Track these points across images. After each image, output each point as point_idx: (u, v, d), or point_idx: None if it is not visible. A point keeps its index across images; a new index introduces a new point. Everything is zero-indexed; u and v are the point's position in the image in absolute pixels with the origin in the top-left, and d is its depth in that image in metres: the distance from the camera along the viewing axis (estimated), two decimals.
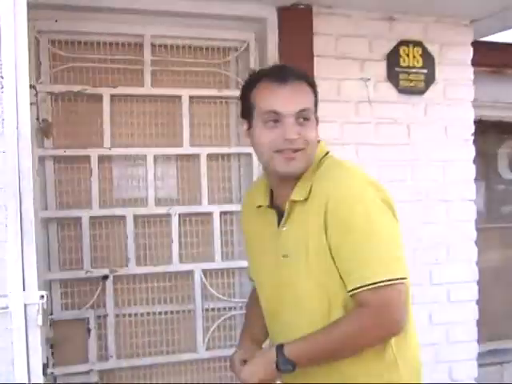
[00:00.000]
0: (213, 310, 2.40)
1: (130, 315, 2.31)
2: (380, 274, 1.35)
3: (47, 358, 2.15)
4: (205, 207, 2.39)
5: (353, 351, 1.42)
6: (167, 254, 2.36)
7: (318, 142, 1.54)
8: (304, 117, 1.49)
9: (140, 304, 2.33)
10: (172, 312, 2.35)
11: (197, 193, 2.41)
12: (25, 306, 1.22)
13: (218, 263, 2.38)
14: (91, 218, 2.25)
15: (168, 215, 2.33)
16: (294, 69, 1.56)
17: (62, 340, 2.21)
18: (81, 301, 2.25)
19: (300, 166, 1.49)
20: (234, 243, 2.48)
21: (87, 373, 2.18)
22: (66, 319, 2.24)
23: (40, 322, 1.21)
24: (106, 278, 2.24)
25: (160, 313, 2.34)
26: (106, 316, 2.24)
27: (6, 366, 1.23)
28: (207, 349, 2.33)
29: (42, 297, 1.23)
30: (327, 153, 1.55)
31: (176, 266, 2.35)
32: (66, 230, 2.27)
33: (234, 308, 2.42)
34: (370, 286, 1.34)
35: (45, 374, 2.05)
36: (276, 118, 1.47)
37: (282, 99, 1.49)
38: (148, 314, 2.33)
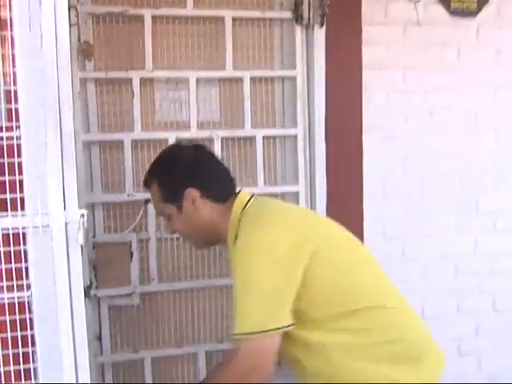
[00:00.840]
0: None
1: (171, 239, 2.29)
2: (240, 326, 1.41)
3: (90, 279, 2.17)
4: (248, 131, 2.35)
5: None
6: None
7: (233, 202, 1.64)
8: (163, 216, 1.74)
9: None
10: None
11: (239, 116, 2.36)
12: (65, 224, 1.21)
13: (260, 188, 2.34)
14: (133, 141, 2.22)
15: (210, 139, 2.28)
16: (150, 165, 1.75)
17: (104, 262, 2.23)
18: (123, 224, 2.25)
19: (194, 245, 1.82)
20: (276, 168, 2.44)
21: (129, 295, 2.20)
22: (109, 242, 2.24)
23: (81, 241, 1.20)
24: (147, 201, 2.23)
25: None
26: (147, 239, 2.24)
27: (48, 287, 1.22)
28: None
29: (83, 215, 1.21)
30: (249, 200, 1.63)
31: None
32: (108, 152, 2.25)
33: None
34: (235, 336, 1.42)
35: (88, 295, 2.10)
36: None
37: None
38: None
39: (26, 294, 1.24)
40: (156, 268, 2.24)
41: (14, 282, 1.24)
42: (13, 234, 1.21)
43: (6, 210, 1.20)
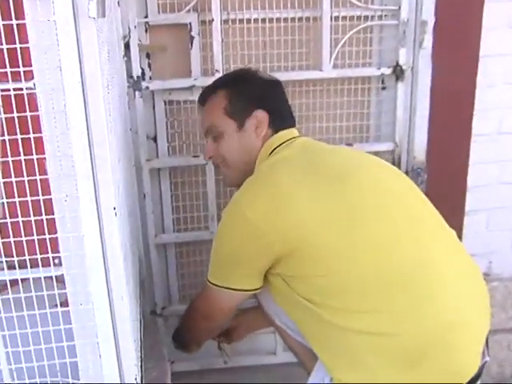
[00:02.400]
0: (344, 18, 1.85)
1: (240, 21, 1.81)
2: (209, 273, 1.43)
3: (142, 69, 1.81)
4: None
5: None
6: None
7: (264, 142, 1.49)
8: (213, 134, 1.54)
9: (254, 8, 1.81)
10: (293, 19, 1.84)
11: None
12: None
13: None
14: None
15: None
16: (215, 81, 1.61)
17: (159, 49, 1.84)
18: (181, 2, 1.76)
19: (227, 180, 1.62)
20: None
21: (189, 89, 1.83)
22: (165, 24, 1.79)
23: (93, 14, 0.88)
24: None
25: (278, 19, 1.83)
26: (211, 21, 1.77)
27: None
28: (334, 67, 1.88)
29: None
30: (281, 144, 1.47)
31: None
32: None
33: (372, 17, 1.87)
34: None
35: (139, 88, 1.79)
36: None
37: (199, 124, 1.67)
38: (263, 20, 1.82)
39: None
40: (221, 58, 1.81)
41: None
42: None
43: None
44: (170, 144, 1.94)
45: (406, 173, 1.96)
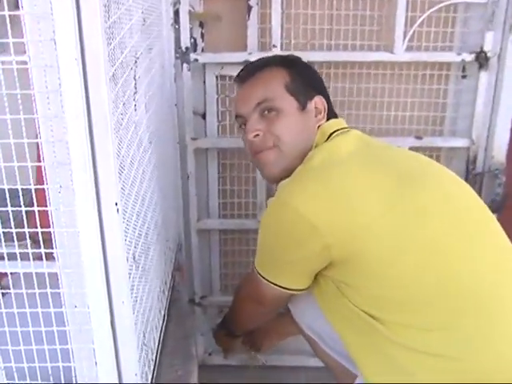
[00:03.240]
0: None
1: None
2: (256, 262, 1.31)
3: (194, 40, 1.66)
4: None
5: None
6: None
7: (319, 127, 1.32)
8: (267, 108, 1.31)
9: None
10: None
11: None
12: None
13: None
14: None
15: None
16: (263, 59, 1.42)
17: (214, 18, 1.67)
18: None
19: (272, 170, 1.34)
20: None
21: (243, 64, 1.58)
22: None
23: None
24: None
25: None
26: None
27: None
28: (408, 49, 1.65)
29: None
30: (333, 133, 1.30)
31: None
32: None
33: None
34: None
35: (187, 60, 1.64)
36: (243, 122, 1.37)
37: (241, 99, 1.38)
38: None
39: None
40: (280, 31, 1.64)
41: None
42: None
43: None
44: (220, 123, 1.79)
45: (482, 174, 1.74)
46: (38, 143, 0.88)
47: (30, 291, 0.97)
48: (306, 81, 1.35)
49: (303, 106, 1.31)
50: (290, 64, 1.36)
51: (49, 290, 0.96)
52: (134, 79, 1.14)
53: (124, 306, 0.97)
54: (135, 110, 1.14)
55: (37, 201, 0.91)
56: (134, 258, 1.06)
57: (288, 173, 1.29)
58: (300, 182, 1.19)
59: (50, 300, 0.97)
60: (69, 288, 0.96)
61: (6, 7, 0.80)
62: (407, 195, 1.13)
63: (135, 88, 1.15)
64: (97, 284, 0.94)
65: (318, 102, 1.33)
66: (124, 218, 0.96)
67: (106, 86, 0.84)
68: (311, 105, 1.32)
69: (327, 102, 1.35)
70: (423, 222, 1.12)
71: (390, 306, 1.11)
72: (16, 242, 0.93)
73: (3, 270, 0.96)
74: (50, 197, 0.90)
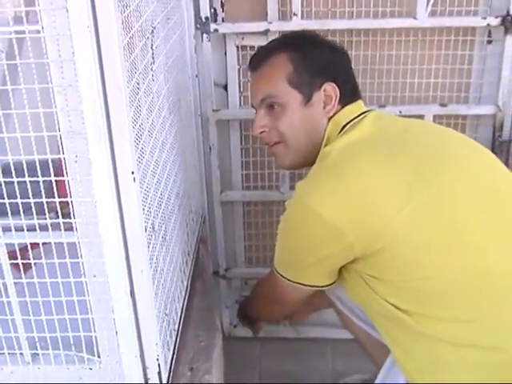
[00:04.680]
0: None
1: None
2: (276, 262, 1.28)
3: (215, 9, 1.65)
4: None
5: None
6: None
7: (330, 119, 1.26)
8: (269, 104, 1.30)
9: None
10: None
11: None
12: None
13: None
14: None
15: None
16: (270, 44, 1.37)
17: None
18: None
19: (283, 162, 1.35)
20: None
21: (264, 33, 1.64)
22: None
23: None
24: None
25: None
26: None
27: None
28: (431, 14, 1.61)
29: None
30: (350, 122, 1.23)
31: None
32: None
33: None
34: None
35: (207, 31, 1.62)
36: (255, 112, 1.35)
37: (251, 91, 1.39)
38: None
39: None
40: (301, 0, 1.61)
41: None
42: None
43: None
44: (242, 94, 1.77)
45: (509, 141, 1.71)
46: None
47: (49, 261, 0.98)
48: (312, 67, 1.27)
49: (308, 99, 1.26)
50: (295, 48, 1.30)
51: (68, 260, 0.97)
52: (152, 49, 1.14)
53: (143, 276, 0.98)
54: (153, 79, 1.14)
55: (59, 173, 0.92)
56: (153, 227, 1.06)
57: (301, 163, 1.33)
58: (315, 182, 1.16)
59: (70, 270, 0.98)
60: (88, 257, 0.97)
61: None
62: (429, 182, 1.09)
63: (152, 58, 1.15)
64: (115, 253, 0.95)
65: (328, 89, 1.26)
66: (142, 187, 0.97)
67: (120, 54, 0.84)
68: (319, 95, 1.26)
69: (345, 84, 1.27)
70: (447, 210, 1.08)
71: (417, 298, 1.09)
72: (35, 214, 0.94)
73: (23, 241, 0.98)
74: (66, 167, 0.91)
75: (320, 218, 1.10)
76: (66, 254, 0.96)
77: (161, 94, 1.22)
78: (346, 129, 1.23)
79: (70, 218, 0.93)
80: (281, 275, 1.26)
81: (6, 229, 0.97)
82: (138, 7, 1.01)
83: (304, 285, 1.24)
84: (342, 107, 1.27)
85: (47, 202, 0.93)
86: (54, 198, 0.92)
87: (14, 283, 1.00)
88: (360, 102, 1.30)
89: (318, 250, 1.16)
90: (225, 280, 1.95)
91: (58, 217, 0.94)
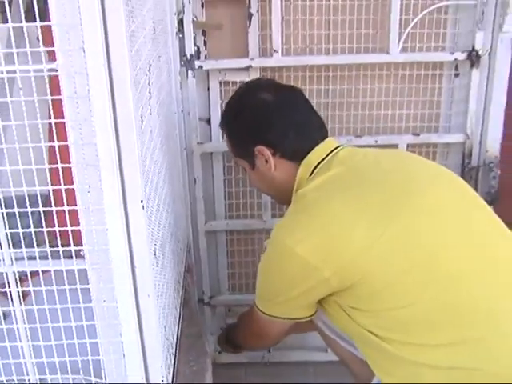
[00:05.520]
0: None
1: None
2: (257, 299, 1.34)
3: (198, 48, 1.72)
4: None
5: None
6: None
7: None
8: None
9: None
10: None
11: None
12: None
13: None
14: None
15: None
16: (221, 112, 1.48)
17: (216, 26, 1.72)
18: None
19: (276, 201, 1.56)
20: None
21: (246, 70, 1.73)
22: None
23: None
24: None
25: None
26: None
27: None
28: (403, 50, 1.71)
29: None
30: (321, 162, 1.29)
31: None
32: None
33: None
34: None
35: (192, 67, 1.70)
36: None
37: None
38: None
39: None
40: (280, 37, 1.70)
41: None
42: None
43: None
44: None
45: (478, 167, 1.81)
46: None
47: (60, 288, 1.02)
48: (239, 138, 1.38)
49: (253, 164, 1.36)
50: (226, 126, 1.41)
51: (79, 286, 1.01)
52: (149, 85, 1.20)
53: (149, 300, 1.03)
54: (150, 114, 1.20)
55: (55, 202, 0.96)
56: (154, 254, 1.11)
57: (281, 202, 1.48)
58: (291, 222, 1.22)
59: (80, 296, 1.02)
60: (97, 283, 1.02)
61: (37, 18, 0.86)
62: (400, 213, 1.14)
63: (149, 93, 1.21)
64: (124, 279, 0.99)
65: (260, 151, 1.32)
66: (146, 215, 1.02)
67: (131, 90, 0.90)
68: (258, 158, 1.34)
69: (282, 137, 1.30)
70: (419, 238, 1.13)
71: (396, 326, 1.13)
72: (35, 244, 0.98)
73: (36, 269, 1.02)
74: (79, 197, 0.96)
75: (296, 256, 1.16)
76: (77, 280, 1.00)
77: (156, 127, 1.28)
78: (317, 170, 1.29)
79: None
80: (262, 311, 1.32)
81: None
82: (140, 46, 1.07)
83: (285, 318, 1.30)
84: (294, 155, 1.31)
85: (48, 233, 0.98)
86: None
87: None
88: (329, 140, 1.34)
89: (295, 286, 1.21)
90: (209, 307, 1.98)
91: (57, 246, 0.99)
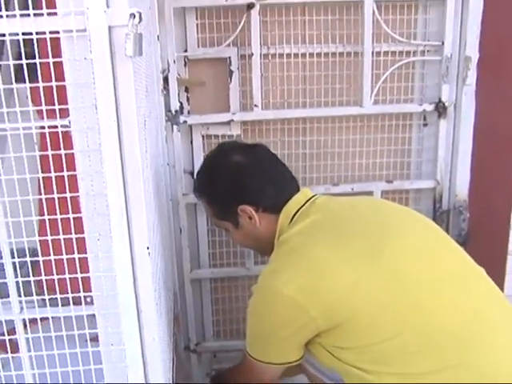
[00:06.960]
0: (386, 53, 1.82)
1: (280, 55, 1.79)
2: (248, 347, 1.37)
3: (181, 103, 1.80)
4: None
5: None
6: None
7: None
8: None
9: (294, 42, 1.79)
10: (334, 54, 1.81)
11: None
12: (109, 28, 0.89)
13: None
14: None
15: None
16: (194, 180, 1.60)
17: (198, 83, 1.82)
18: (220, 36, 1.76)
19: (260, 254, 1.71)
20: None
21: (227, 124, 1.82)
22: (204, 58, 1.78)
23: (130, 52, 0.87)
24: (251, 7, 1.71)
25: (319, 54, 1.79)
26: (251, 56, 1.75)
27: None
28: (375, 103, 1.84)
29: (133, 15, 0.87)
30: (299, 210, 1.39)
31: None
32: None
33: (414, 53, 1.84)
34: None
35: (177, 122, 1.78)
36: None
37: None
38: (303, 55, 1.80)
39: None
40: (260, 93, 1.79)
41: None
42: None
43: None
44: None
45: (448, 211, 1.92)
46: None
47: (68, 333, 1.06)
48: (220, 203, 1.46)
49: (236, 223, 1.45)
50: (204, 189, 1.50)
51: (87, 331, 1.06)
52: (145, 139, 1.27)
53: (155, 343, 1.07)
54: (147, 167, 1.27)
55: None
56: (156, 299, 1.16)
57: (264, 253, 1.55)
58: (277, 266, 1.29)
59: (89, 340, 1.06)
60: (105, 328, 1.06)
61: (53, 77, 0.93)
62: (378, 253, 1.23)
63: (145, 147, 1.28)
64: (132, 323, 1.04)
65: (243, 210, 1.40)
66: None
67: (139, 144, 0.97)
68: (242, 217, 1.43)
69: (262, 193, 1.40)
70: (397, 275, 1.21)
71: (379, 359, 1.20)
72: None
73: (46, 315, 1.06)
74: (88, 245, 1.01)
75: (284, 296, 1.22)
76: (86, 325, 1.04)
77: (149, 179, 1.34)
78: (296, 217, 1.38)
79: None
80: (255, 359, 1.36)
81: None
82: (140, 104, 1.15)
83: (277, 364, 1.33)
84: (274, 207, 1.40)
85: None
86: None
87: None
88: (305, 190, 1.45)
89: (284, 327, 1.26)
90: (195, 354, 2.02)
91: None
